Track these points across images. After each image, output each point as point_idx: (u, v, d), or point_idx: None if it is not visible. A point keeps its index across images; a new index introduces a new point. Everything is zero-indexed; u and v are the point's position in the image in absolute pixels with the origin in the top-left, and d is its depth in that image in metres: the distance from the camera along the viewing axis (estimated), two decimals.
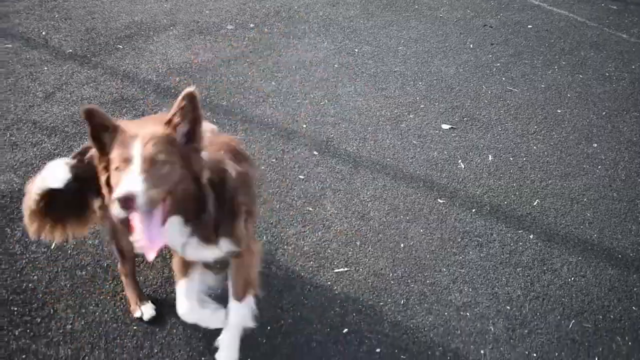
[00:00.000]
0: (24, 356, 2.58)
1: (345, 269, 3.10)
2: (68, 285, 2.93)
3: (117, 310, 2.78)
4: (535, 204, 3.64)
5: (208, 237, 2.06)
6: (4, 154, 3.84)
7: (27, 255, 3.11)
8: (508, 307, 2.99)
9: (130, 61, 4.79)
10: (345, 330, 2.82)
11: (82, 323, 2.71)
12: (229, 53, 4.92)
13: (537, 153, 4.09)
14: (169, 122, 1.84)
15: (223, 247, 2.15)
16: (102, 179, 1.88)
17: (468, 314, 2.95)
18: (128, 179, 1.71)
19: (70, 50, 4.95)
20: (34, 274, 3.02)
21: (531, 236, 3.41)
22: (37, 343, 2.62)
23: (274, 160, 3.76)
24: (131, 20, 5.43)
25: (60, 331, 2.69)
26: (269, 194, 3.50)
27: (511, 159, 3.99)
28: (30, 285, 2.94)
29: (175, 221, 1.90)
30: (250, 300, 2.41)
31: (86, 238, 3.09)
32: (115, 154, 1.79)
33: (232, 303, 2.39)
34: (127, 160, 1.75)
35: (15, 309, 2.82)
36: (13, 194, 3.51)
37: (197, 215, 1.94)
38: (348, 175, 3.71)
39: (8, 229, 3.28)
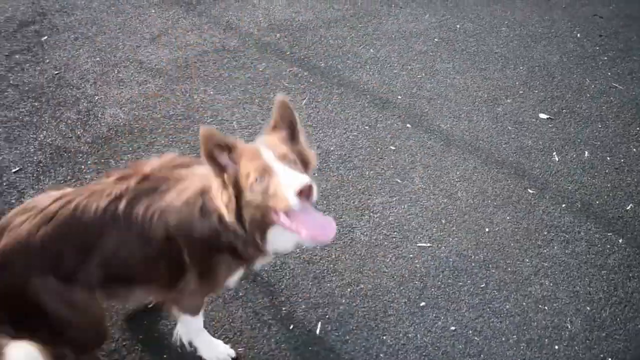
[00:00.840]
0: None
1: (429, 244, 3.12)
2: None
3: None
4: (628, 208, 3.52)
5: None
6: (111, 89, 4.04)
7: None
8: (588, 308, 2.94)
9: (233, 13, 4.87)
10: (423, 304, 2.86)
11: None
12: (330, 15, 4.92)
13: (636, 155, 3.92)
14: (274, 128, 1.94)
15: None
16: (225, 195, 1.88)
17: (546, 307, 2.92)
18: (291, 176, 1.75)
19: None
20: None
21: (620, 240, 3.31)
22: None
23: (366, 127, 3.79)
24: None
25: None
26: (359, 160, 3.54)
27: (608, 158, 3.85)
28: None
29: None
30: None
31: None
32: (249, 168, 1.82)
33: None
34: (266, 169, 1.79)
35: None
36: (118, 128, 3.70)
37: None
38: (439, 152, 3.69)
39: (112, 160, 3.47)
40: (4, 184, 3.33)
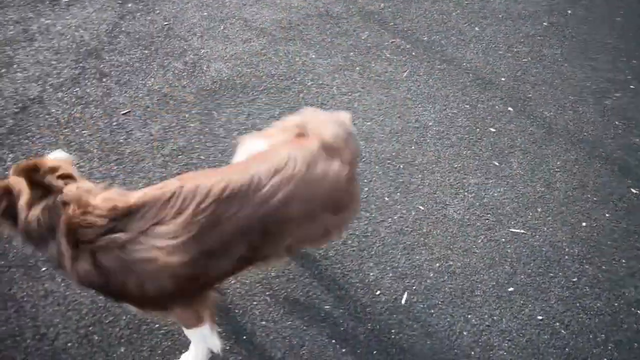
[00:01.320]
0: None
1: (522, 231, 3.05)
2: None
3: None
4: None
5: None
6: (217, 44, 4.13)
7: (228, 140, 3.39)
8: None
9: None
10: (511, 289, 2.81)
11: None
12: None
13: None
14: None
15: None
16: None
17: (639, 312, 2.81)
18: None
19: None
20: (230, 159, 3.29)
21: None
22: None
23: (467, 106, 3.71)
24: None
25: None
26: (457, 139, 3.48)
27: None
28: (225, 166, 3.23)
29: None
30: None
31: None
32: None
33: None
34: None
35: None
36: (222, 82, 3.80)
37: None
38: (540, 139, 3.58)
39: (215, 112, 3.57)
40: (114, 124, 3.50)
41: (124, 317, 2.61)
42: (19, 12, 4.16)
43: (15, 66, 3.71)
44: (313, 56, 4.00)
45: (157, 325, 2.58)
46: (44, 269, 2.80)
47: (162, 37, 4.20)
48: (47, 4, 4.43)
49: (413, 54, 4.03)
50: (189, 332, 2.31)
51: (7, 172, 2.89)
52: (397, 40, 4.16)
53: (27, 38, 3.95)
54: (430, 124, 3.53)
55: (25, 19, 4.11)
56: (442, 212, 3.07)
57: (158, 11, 4.46)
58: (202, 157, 3.30)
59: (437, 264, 2.85)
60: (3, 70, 3.68)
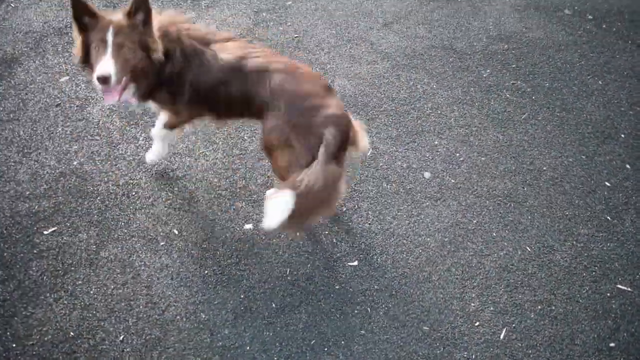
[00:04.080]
0: None
1: (629, 289, 3.00)
2: None
3: None
4: None
5: (142, 95, 2.66)
6: (342, 61, 4.32)
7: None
8: None
9: (464, 16, 4.95)
10: (612, 344, 2.77)
11: None
12: (561, 38, 4.81)
13: None
14: (129, 13, 2.40)
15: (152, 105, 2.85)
16: (80, 47, 2.47)
17: None
18: (104, 63, 2.35)
19: None
20: (347, 171, 3.43)
21: None
22: None
23: (583, 157, 3.69)
24: None
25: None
26: (570, 187, 3.47)
27: None
28: None
29: (132, 88, 2.55)
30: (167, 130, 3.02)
31: None
32: (95, 36, 2.38)
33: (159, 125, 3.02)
34: (103, 42, 2.37)
35: None
36: (345, 97, 3.97)
37: (150, 83, 2.58)
38: None
39: None
40: (240, 121, 3.72)
41: (231, 302, 2.78)
42: None
43: None
44: (434, 86, 4.11)
45: (261, 315, 2.73)
46: (162, 243, 3.02)
47: (292, 47, 4.45)
48: (188, 3, 4.80)
49: (533, 97, 4.06)
50: (157, 131, 3.04)
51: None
52: (518, 83, 4.20)
53: None
54: (544, 168, 3.54)
55: None
56: (548, 256, 3.07)
57: (289, 23, 4.72)
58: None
59: (539, 306, 2.86)
60: None
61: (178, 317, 2.73)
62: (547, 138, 3.75)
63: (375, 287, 2.85)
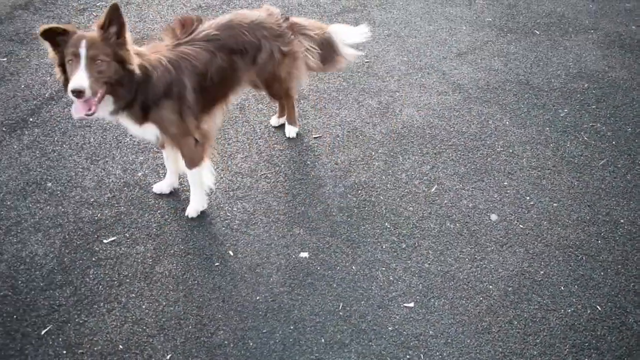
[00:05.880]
0: (384, 268, 2.90)
1: None
2: (436, 229, 3.17)
3: None
4: None
5: (136, 118, 2.72)
6: (412, 90, 4.23)
7: (409, 187, 3.43)
8: None
9: (542, 50, 4.76)
10: None
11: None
12: None
13: None
14: (102, 26, 2.44)
15: (150, 130, 2.81)
16: (56, 62, 2.53)
17: None
18: (78, 76, 2.38)
19: (490, 19, 5.12)
20: (410, 206, 3.32)
21: None
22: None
23: None
24: (553, 10, 5.35)
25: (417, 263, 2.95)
26: None
27: None
28: (405, 213, 3.26)
29: (109, 100, 2.56)
30: (199, 168, 3.05)
31: None
32: (68, 51, 2.42)
33: (186, 170, 3.08)
34: (76, 56, 2.40)
35: (389, 226, 3.17)
36: (412, 128, 3.87)
37: (126, 96, 2.59)
38: None
39: (400, 156, 3.65)
40: (304, 144, 3.70)
41: (280, 332, 2.71)
42: None
43: None
44: (507, 122, 3.95)
45: (309, 349, 2.64)
46: (217, 263, 3.00)
47: (362, 73, 4.39)
48: None
49: (613, 142, 3.83)
50: (191, 173, 3.07)
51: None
52: (597, 125, 3.98)
53: None
54: (622, 221, 3.32)
55: None
56: (621, 318, 2.85)
57: (361, 47, 4.66)
58: (380, 197, 3.37)
59: None
60: None
61: (226, 342, 2.68)
62: (626, 188, 3.52)
63: (431, 332, 2.72)
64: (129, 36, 2.55)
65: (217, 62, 2.92)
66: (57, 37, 2.47)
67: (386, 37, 4.81)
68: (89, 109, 2.49)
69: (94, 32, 2.48)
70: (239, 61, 3.04)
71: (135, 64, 2.57)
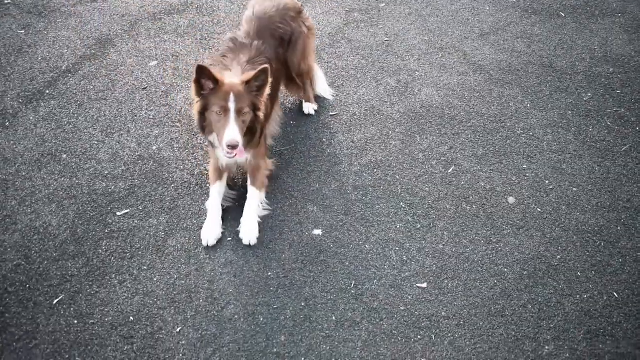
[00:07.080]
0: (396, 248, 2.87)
1: None
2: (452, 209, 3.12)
3: None
4: None
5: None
6: (432, 70, 4.15)
7: (426, 167, 3.37)
8: None
9: (567, 33, 4.64)
10: None
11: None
12: None
13: None
14: (249, 82, 2.66)
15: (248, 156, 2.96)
16: (198, 107, 2.74)
17: None
18: (232, 131, 2.61)
19: (514, 0, 4.99)
20: (426, 186, 3.27)
21: None
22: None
23: None
24: None
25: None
26: None
27: None
28: (420, 193, 3.21)
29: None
30: (262, 193, 3.07)
31: None
32: (216, 101, 2.64)
33: (250, 189, 3.04)
34: (225, 110, 2.62)
35: (404, 206, 3.13)
36: (431, 108, 3.80)
37: (256, 136, 2.84)
38: None
39: (418, 136, 3.59)
40: (320, 122, 3.65)
41: (291, 308, 2.69)
42: None
43: None
44: (528, 105, 3.86)
45: (320, 326, 2.62)
46: (229, 238, 2.98)
47: (381, 51, 4.31)
48: None
49: (637, 128, 3.73)
50: (260, 195, 3.08)
51: None
52: (621, 110, 3.87)
53: None
54: None
55: None
56: (638, 306, 2.78)
57: (381, 26, 4.59)
58: (396, 176, 3.32)
59: None
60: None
61: (236, 316, 2.67)
62: None
63: (443, 313, 2.68)
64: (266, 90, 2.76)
65: (275, 67, 3.09)
66: (202, 79, 2.65)
67: (407, 16, 4.72)
68: (241, 155, 2.75)
69: (236, 82, 2.68)
70: (284, 53, 3.24)
71: (263, 110, 2.79)
